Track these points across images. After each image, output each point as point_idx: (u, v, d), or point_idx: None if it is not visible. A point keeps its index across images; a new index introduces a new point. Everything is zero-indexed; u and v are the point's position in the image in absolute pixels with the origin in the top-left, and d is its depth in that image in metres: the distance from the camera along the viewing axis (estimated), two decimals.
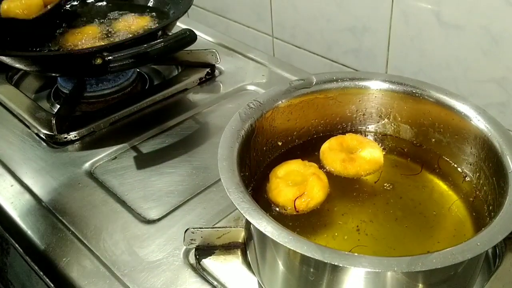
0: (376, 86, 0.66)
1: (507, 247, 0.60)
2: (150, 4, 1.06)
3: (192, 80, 0.96)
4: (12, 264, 0.77)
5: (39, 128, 0.84)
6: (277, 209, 0.59)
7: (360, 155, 0.64)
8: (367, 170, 0.63)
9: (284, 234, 0.46)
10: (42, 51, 0.92)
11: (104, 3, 1.08)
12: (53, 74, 0.94)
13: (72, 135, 0.84)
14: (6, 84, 0.97)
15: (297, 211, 0.58)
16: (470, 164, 0.62)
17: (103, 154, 0.80)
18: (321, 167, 0.64)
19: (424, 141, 0.66)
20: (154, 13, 1.02)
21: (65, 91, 0.93)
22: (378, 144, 0.67)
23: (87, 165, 0.78)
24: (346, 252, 0.45)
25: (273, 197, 0.59)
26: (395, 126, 0.68)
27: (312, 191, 0.58)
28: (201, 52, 0.97)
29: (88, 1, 1.08)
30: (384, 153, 0.66)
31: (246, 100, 0.63)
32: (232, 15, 1.20)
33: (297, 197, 0.58)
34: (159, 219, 0.69)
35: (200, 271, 0.61)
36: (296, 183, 0.59)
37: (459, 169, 0.63)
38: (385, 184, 0.62)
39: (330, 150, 0.64)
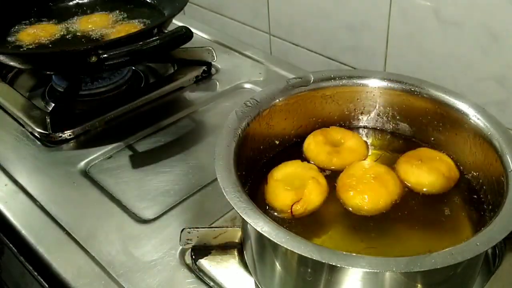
0: (374, 84, 0.66)
1: (507, 247, 0.59)
2: None
3: (188, 78, 0.96)
4: (6, 264, 0.77)
5: (33, 126, 0.84)
6: (275, 213, 0.58)
7: (345, 147, 0.64)
8: (352, 161, 0.62)
9: (281, 234, 0.46)
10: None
11: None
12: (48, 72, 0.93)
13: (67, 133, 0.83)
14: (0, 82, 0.96)
15: (293, 216, 0.57)
16: (469, 163, 0.61)
17: (98, 153, 0.80)
18: (305, 160, 0.63)
19: (423, 140, 0.66)
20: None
21: (59, 89, 0.92)
22: (377, 142, 0.67)
23: (82, 164, 0.78)
24: (344, 252, 0.44)
25: (270, 201, 0.58)
26: (393, 124, 0.68)
27: (309, 197, 0.57)
28: (197, 50, 0.97)
29: None
30: (382, 151, 0.66)
31: (243, 99, 0.62)
32: (229, 12, 1.20)
33: (295, 203, 0.56)
34: (155, 219, 0.68)
35: (196, 271, 0.61)
36: (294, 187, 0.58)
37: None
38: None
39: (315, 143, 0.64)
